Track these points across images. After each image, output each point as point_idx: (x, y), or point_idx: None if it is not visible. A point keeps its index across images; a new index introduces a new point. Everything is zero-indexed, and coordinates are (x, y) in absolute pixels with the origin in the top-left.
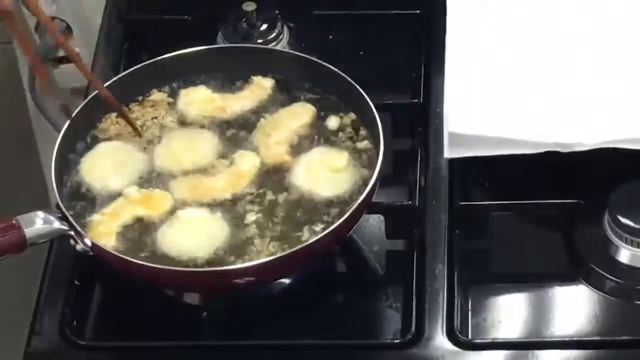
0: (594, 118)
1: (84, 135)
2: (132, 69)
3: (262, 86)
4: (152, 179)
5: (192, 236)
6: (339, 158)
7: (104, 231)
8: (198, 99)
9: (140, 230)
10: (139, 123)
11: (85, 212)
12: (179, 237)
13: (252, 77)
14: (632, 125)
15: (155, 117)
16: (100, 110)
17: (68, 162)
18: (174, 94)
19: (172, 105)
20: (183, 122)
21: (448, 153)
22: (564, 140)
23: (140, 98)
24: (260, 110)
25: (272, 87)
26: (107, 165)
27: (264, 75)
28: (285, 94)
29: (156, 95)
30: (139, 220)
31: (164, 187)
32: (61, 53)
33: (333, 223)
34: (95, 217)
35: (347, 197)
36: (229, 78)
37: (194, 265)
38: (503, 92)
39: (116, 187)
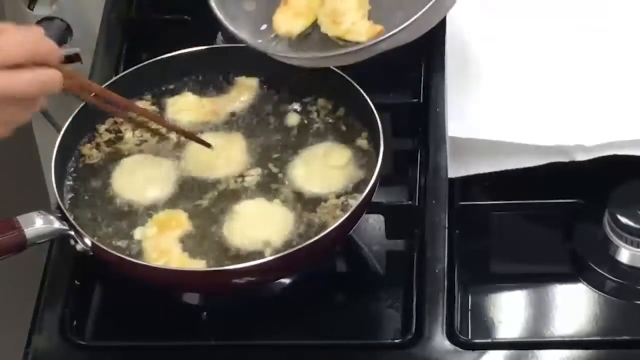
0: (594, 120)
1: (84, 135)
2: (131, 68)
3: (247, 85)
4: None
5: (261, 225)
6: (340, 156)
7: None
8: (187, 107)
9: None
10: (136, 134)
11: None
12: (248, 229)
13: (235, 78)
14: (632, 128)
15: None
16: (100, 111)
17: (69, 163)
18: (159, 104)
19: (160, 114)
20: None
21: (451, 172)
22: (564, 143)
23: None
24: (253, 110)
25: (257, 85)
26: (139, 178)
27: (264, 75)
28: (273, 92)
29: (142, 104)
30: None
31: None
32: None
33: (323, 220)
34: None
35: (342, 195)
36: (219, 79)
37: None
38: (502, 95)
39: (158, 196)
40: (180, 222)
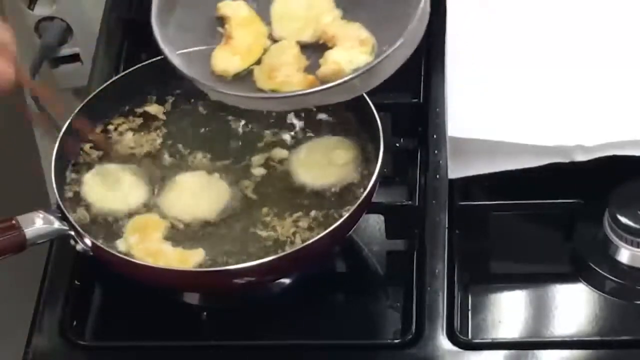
0: (594, 120)
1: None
2: (131, 68)
3: None
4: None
5: (197, 197)
6: (342, 154)
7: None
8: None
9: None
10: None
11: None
12: (184, 200)
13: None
14: (632, 128)
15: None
16: (100, 111)
17: (68, 167)
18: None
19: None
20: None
21: (451, 173)
22: (564, 143)
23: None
24: None
25: None
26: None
27: None
28: None
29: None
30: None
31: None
32: (61, 53)
33: (313, 214)
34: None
35: (337, 192)
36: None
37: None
38: (502, 95)
39: (141, 200)
40: (156, 222)
